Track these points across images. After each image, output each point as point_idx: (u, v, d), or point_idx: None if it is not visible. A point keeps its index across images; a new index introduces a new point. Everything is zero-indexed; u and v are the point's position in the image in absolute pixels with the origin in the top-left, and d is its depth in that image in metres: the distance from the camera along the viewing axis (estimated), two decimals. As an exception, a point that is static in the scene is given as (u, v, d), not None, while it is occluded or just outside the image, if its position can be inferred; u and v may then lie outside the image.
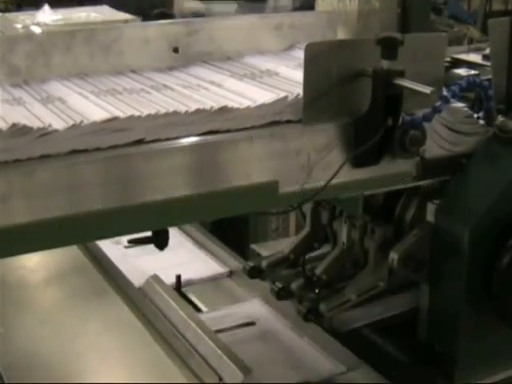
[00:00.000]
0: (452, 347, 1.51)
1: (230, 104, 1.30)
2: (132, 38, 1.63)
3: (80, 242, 1.82)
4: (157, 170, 1.21)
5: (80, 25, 3.32)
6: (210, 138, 1.26)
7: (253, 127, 1.30)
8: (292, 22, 1.81)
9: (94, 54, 1.58)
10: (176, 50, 1.67)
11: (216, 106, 1.28)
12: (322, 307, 1.62)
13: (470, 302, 1.47)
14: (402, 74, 1.31)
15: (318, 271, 1.71)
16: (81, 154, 1.17)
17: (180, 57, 1.67)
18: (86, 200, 1.17)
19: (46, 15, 3.58)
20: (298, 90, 1.35)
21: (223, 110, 1.28)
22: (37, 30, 3.28)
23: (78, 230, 1.19)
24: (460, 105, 1.50)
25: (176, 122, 1.24)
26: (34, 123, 1.17)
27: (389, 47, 1.30)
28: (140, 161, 1.20)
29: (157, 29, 1.66)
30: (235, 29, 1.75)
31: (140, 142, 1.21)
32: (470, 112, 1.52)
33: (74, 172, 1.16)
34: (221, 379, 1.55)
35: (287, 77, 1.54)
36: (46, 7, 3.63)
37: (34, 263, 2.08)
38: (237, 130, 1.28)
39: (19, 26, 3.41)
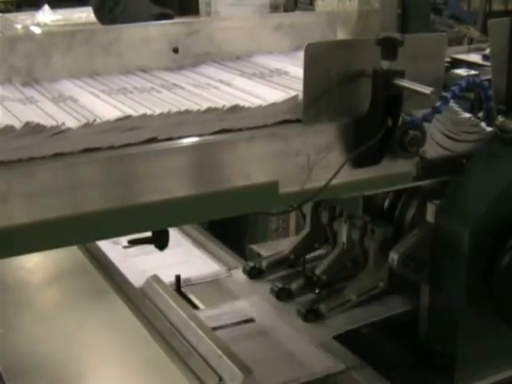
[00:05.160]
0: (452, 347, 1.51)
1: (242, 103, 1.31)
2: (132, 38, 1.63)
3: (80, 242, 1.82)
4: (157, 169, 1.21)
5: (80, 25, 3.33)
6: (210, 138, 1.26)
7: (265, 126, 1.30)
8: (292, 22, 1.81)
9: (94, 54, 1.58)
10: (176, 51, 1.67)
11: (227, 104, 1.28)
12: (322, 307, 1.62)
13: (470, 302, 1.47)
14: (401, 75, 1.31)
15: (317, 271, 1.72)
16: (81, 155, 1.17)
17: (180, 57, 1.67)
18: (86, 200, 1.17)
19: (46, 15, 3.59)
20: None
21: (235, 108, 1.28)
22: (37, 30, 3.29)
23: (78, 231, 1.19)
24: (466, 115, 1.50)
25: (188, 120, 1.24)
26: (47, 122, 1.17)
27: (389, 47, 1.30)
28: (140, 161, 1.20)
29: (157, 29, 1.66)
30: (235, 29, 1.75)
31: (153, 140, 1.22)
32: (471, 117, 1.51)
33: (73, 172, 1.16)
34: (221, 379, 1.55)
35: (297, 76, 1.54)
36: (46, 7, 3.64)
37: (33, 263, 2.08)
38: (248, 129, 1.29)
39: (19, 26, 3.41)
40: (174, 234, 2.12)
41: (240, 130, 1.28)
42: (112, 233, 1.33)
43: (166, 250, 1.65)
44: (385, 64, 1.30)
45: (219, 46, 1.72)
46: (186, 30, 1.68)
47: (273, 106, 1.31)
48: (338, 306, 1.63)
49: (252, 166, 1.29)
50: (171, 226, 1.54)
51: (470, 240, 1.43)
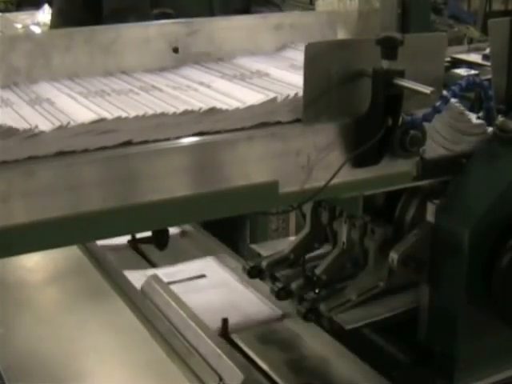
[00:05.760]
0: (452, 347, 1.51)
1: (219, 105, 1.30)
2: (132, 38, 1.63)
3: (80, 241, 1.82)
4: (157, 169, 1.21)
5: (80, 25, 3.32)
6: (209, 138, 1.26)
7: (242, 128, 1.29)
8: (292, 22, 1.81)
9: (93, 54, 1.58)
10: (176, 50, 1.67)
11: (204, 107, 1.27)
12: (322, 307, 1.62)
13: (470, 301, 1.47)
14: (402, 74, 1.31)
15: (317, 271, 1.72)
16: (81, 154, 1.17)
17: (180, 57, 1.67)
18: (86, 200, 1.17)
19: (46, 15, 3.59)
20: (288, 91, 1.35)
21: (212, 111, 1.27)
22: (37, 29, 3.29)
23: (78, 230, 1.19)
24: (453, 100, 1.50)
25: (164, 123, 1.23)
26: (21, 125, 1.16)
27: (389, 47, 1.30)
28: (140, 161, 1.20)
29: (157, 29, 1.66)
30: (235, 29, 1.75)
31: (128, 143, 1.21)
32: (462, 107, 1.51)
33: (73, 172, 1.16)
34: (221, 379, 1.55)
35: (277, 78, 1.54)
36: (46, 7, 3.64)
37: (33, 263, 2.08)
38: (226, 132, 1.28)
39: (19, 25, 3.42)
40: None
41: (218, 132, 1.27)
42: (112, 233, 1.33)
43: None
44: (385, 64, 1.30)
45: (219, 46, 1.72)
46: (186, 29, 1.68)
47: (250, 108, 1.30)
48: (337, 306, 1.63)
49: (252, 165, 1.29)
50: (171, 225, 1.54)
51: (470, 240, 1.43)
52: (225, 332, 1.78)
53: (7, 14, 4.01)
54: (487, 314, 1.49)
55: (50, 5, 3.66)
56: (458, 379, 1.52)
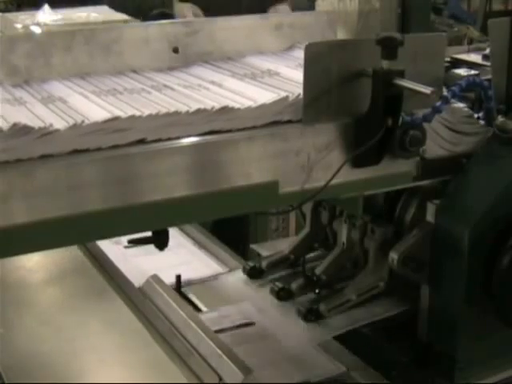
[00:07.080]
0: (452, 347, 1.51)
1: (231, 104, 1.30)
2: (132, 38, 1.62)
3: (80, 241, 1.82)
4: (157, 169, 1.21)
5: (80, 25, 3.33)
6: (210, 138, 1.26)
7: (254, 127, 1.30)
8: (292, 22, 1.81)
9: (93, 54, 1.58)
10: (176, 50, 1.67)
11: (217, 106, 1.28)
12: (322, 307, 1.62)
13: (470, 301, 1.47)
14: (401, 74, 1.31)
15: (317, 271, 1.72)
16: (81, 154, 1.17)
17: (180, 57, 1.67)
18: (86, 200, 1.17)
19: (46, 15, 3.58)
20: (299, 90, 1.35)
21: (224, 110, 1.28)
22: (37, 30, 3.29)
23: (78, 230, 1.19)
24: (460, 105, 1.51)
25: (177, 121, 1.24)
26: (35, 123, 1.17)
27: (389, 47, 1.30)
28: (140, 161, 1.20)
29: (157, 29, 1.66)
30: (235, 29, 1.75)
31: (141, 141, 1.21)
32: (470, 112, 1.52)
33: (74, 172, 1.16)
34: (221, 379, 1.55)
35: (288, 77, 1.54)
36: (46, 7, 3.63)
37: (33, 263, 2.08)
38: (238, 130, 1.28)
39: (19, 25, 3.41)
40: (174, 233, 2.15)
41: (229, 131, 1.28)
42: (112, 233, 1.33)
43: (167, 250, 1.67)
44: (385, 64, 1.30)
45: (219, 46, 1.72)
46: (186, 29, 1.68)
47: (262, 107, 1.31)
48: (337, 306, 1.63)
49: (252, 165, 1.29)
50: (171, 225, 1.53)
51: (470, 240, 1.43)
52: (178, 286, 1.96)
53: (7, 14, 4.00)
54: (487, 314, 1.49)
55: (50, 5, 3.66)
56: (458, 379, 1.52)
